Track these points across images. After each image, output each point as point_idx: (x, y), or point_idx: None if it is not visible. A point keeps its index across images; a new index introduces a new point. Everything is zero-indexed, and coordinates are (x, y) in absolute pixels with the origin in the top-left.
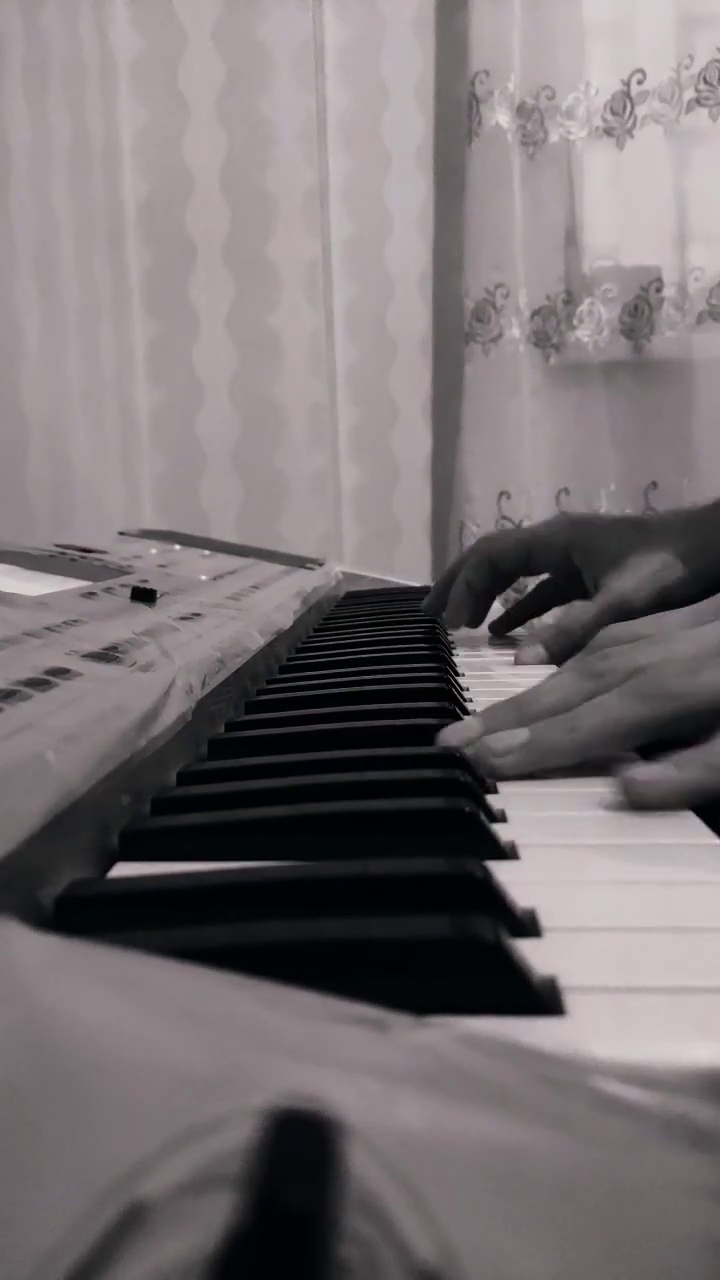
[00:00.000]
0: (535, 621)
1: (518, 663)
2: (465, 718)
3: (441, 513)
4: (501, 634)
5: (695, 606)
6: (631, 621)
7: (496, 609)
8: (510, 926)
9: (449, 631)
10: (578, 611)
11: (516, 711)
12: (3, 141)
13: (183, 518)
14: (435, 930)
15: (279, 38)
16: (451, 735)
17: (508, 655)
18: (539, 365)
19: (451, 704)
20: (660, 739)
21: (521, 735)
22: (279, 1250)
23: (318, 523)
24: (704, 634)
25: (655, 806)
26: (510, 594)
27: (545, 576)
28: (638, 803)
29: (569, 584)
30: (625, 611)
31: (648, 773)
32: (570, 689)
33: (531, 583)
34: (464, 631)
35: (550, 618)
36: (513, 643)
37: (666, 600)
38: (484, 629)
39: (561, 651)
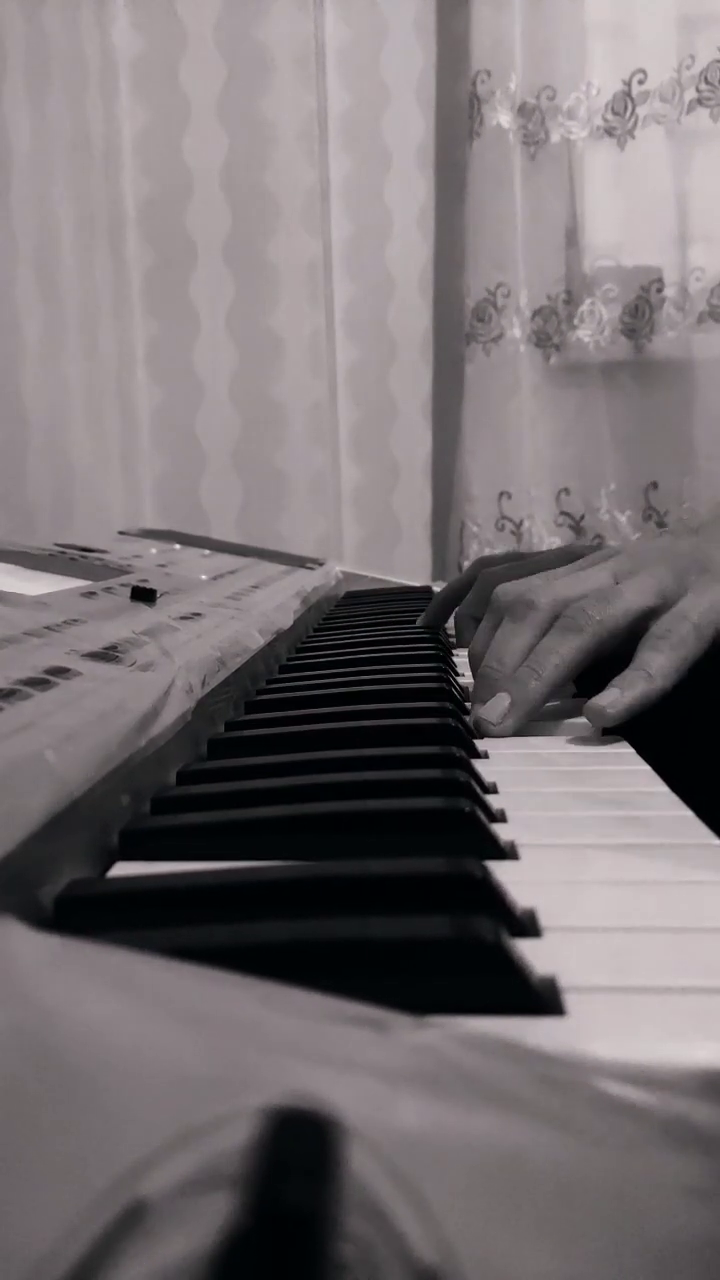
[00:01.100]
0: None
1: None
2: (497, 698)
3: (441, 513)
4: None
5: (554, 553)
6: (511, 572)
7: None
8: (510, 926)
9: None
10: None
11: (493, 682)
12: (3, 141)
13: (183, 518)
14: (435, 930)
15: (280, 38)
16: (489, 713)
17: None
18: (539, 365)
19: (451, 704)
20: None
21: (505, 700)
22: (278, 1250)
23: (318, 523)
24: (591, 574)
25: (618, 721)
26: None
27: None
28: (603, 723)
29: None
30: None
31: (604, 698)
32: (518, 640)
33: None
34: None
35: None
36: None
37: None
38: None
39: (468, 633)
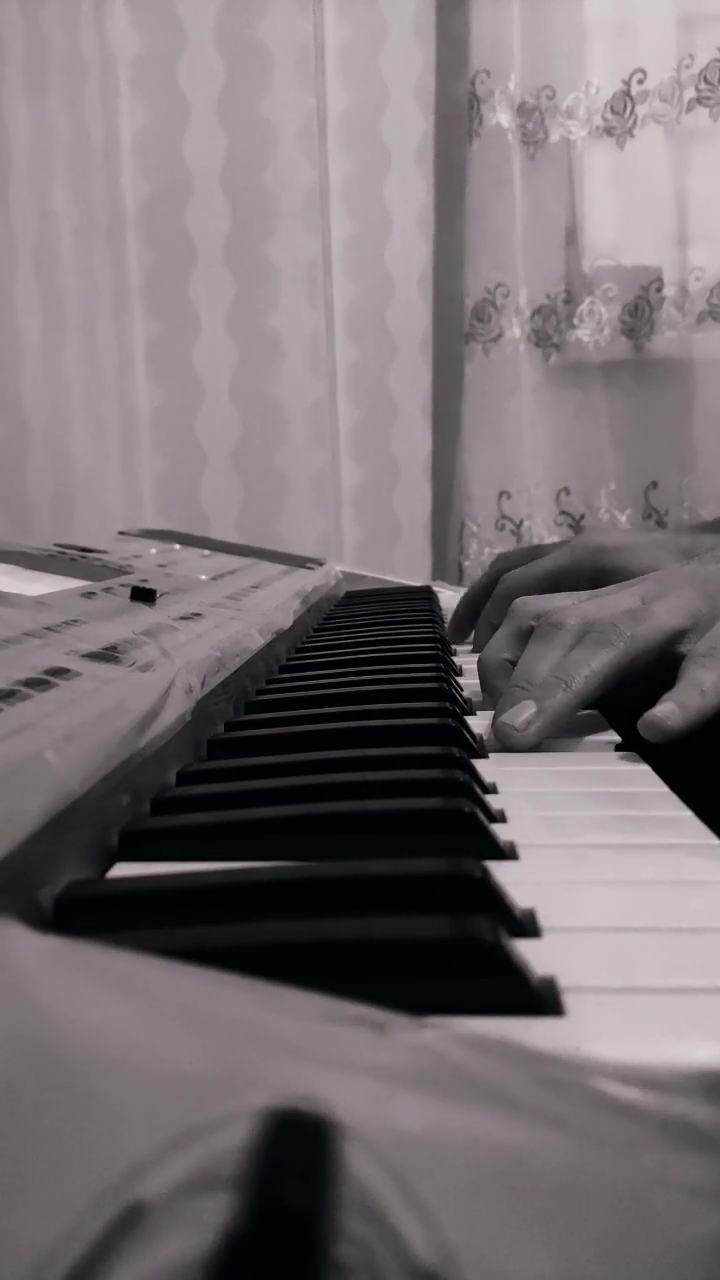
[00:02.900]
0: None
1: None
2: (521, 705)
3: (441, 513)
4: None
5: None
6: (533, 596)
7: None
8: (509, 927)
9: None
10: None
11: (524, 690)
12: (3, 141)
13: (183, 518)
14: (434, 930)
15: (279, 38)
16: (512, 722)
17: None
18: (539, 365)
19: (451, 704)
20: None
21: (530, 707)
22: (277, 1251)
23: (318, 523)
24: (619, 597)
25: (676, 735)
26: None
27: None
28: (660, 738)
29: None
30: None
31: (661, 710)
32: (545, 662)
33: None
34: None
35: None
36: None
37: None
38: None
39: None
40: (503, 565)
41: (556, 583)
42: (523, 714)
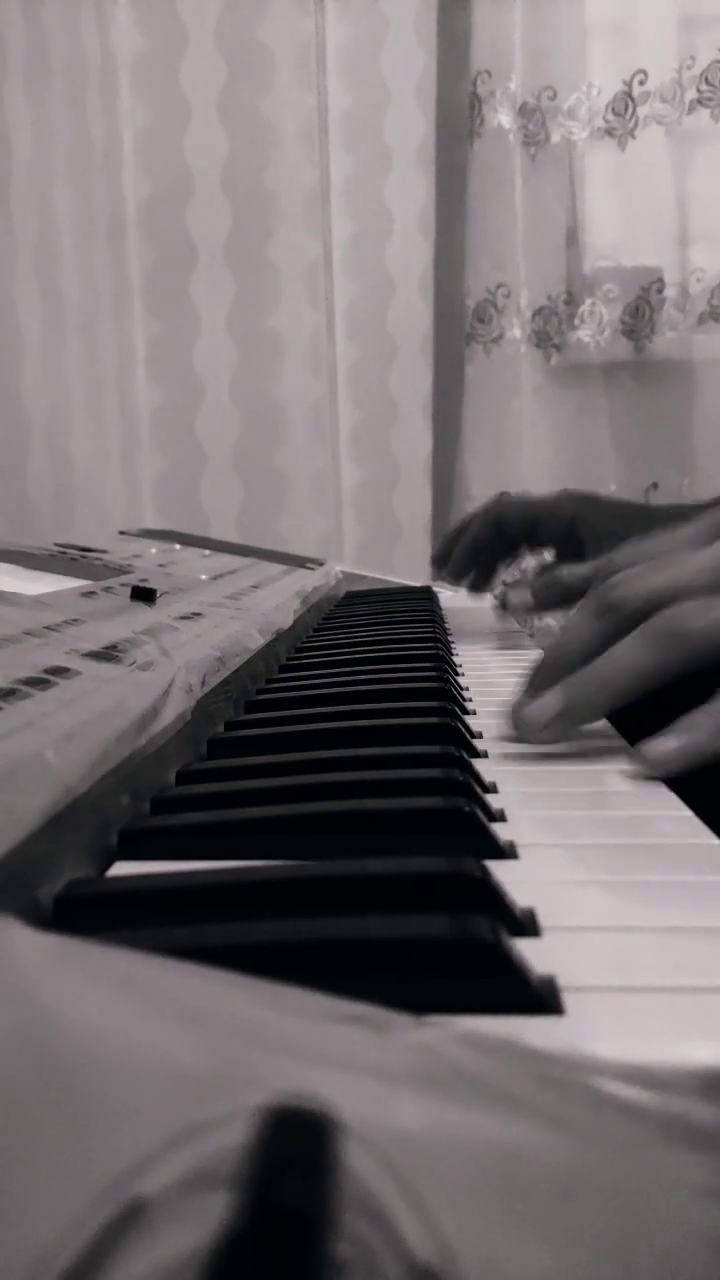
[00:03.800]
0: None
1: (503, 606)
2: (546, 697)
3: (441, 513)
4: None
5: (700, 522)
6: (641, 544)
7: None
8: (509, 926)
9: (447, 624)
10: (572, 567)
11: (552, 673)
12: (3, 141)
13: (183, 518)
14: (434, 930)
15: (280, 38)
16: (533, 714)
17: (507, 654)
18: (540, 365)
19: (450, 704)
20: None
21: (555, 705)
22: (276, 1249)
23: (318, 523)
24: (710, 558)
25: (677, 771)
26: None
27: (548, 560)
28: (662, 773)
29: (571, 559)
30: None
31: (662, 746)
32: (589, 633)
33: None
34: (464, 629)
35: None
36: (513, 643)
37: None
38: (486, 622)
39: (549, 600)
40: (501, 499)
41: (537, 517)
42: (546, 711)
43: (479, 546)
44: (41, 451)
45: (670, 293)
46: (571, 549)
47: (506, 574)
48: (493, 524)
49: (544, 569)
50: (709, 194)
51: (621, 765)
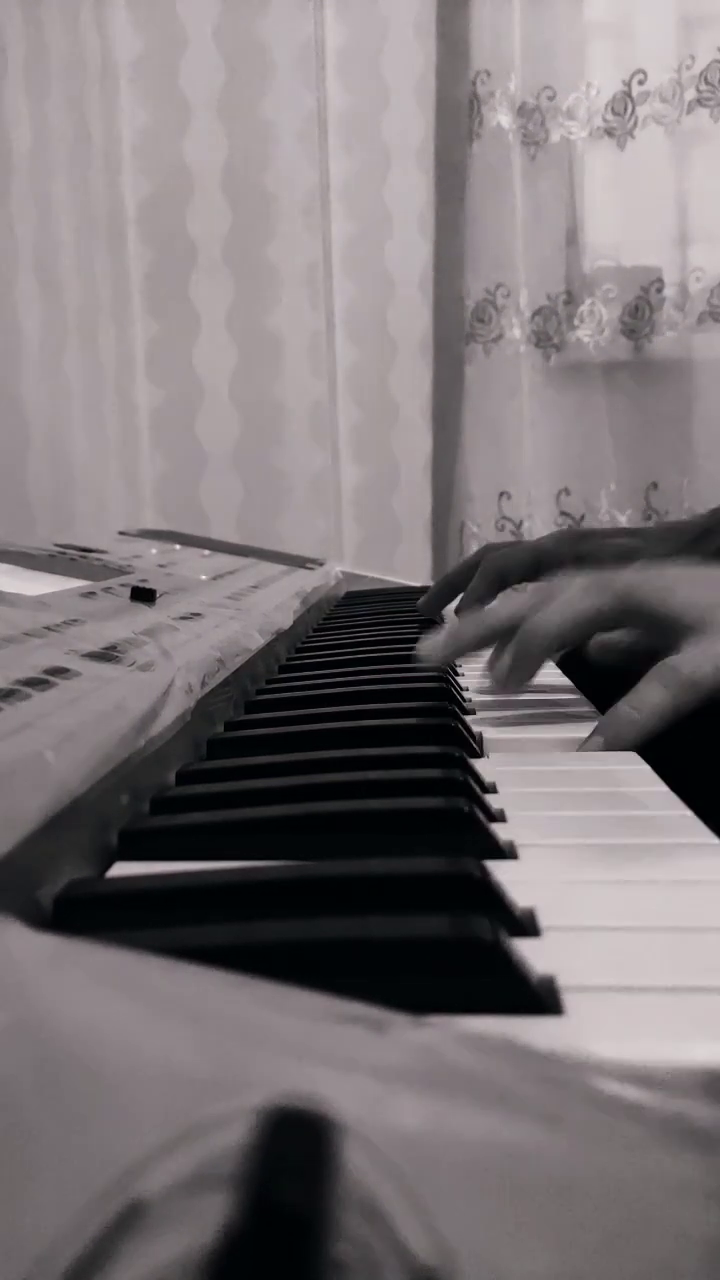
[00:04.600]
0: None
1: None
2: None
3: (441, 513)
4: None
5: (554, 537)
6: (515, 555)
7: None
8: (509, 926)
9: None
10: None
11: (476, 625)
12: (3, 141)
13: (183, 518)
14: (434, 930)
15: (280, 38)
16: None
17: None
18: (539, 365)
19: (450, 704)
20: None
21: (504, 662)
22: (275, 1250)
23: (318, 523)
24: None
25: (631, 743)
26: None
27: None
28: (616, 744)
29: None
30: None
31: (594, 743)
32: (524, 601)
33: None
34: None
35: None
36: None
37: None
38: None
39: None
40: (487, 552)
41: (539, 561)
42: (500, 671)
43: (483, 600)
44: (41, 451)
45: (670, 292)
46: None
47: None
48: (496, 582)
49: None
50: (708, 194)
51: (622, 766)
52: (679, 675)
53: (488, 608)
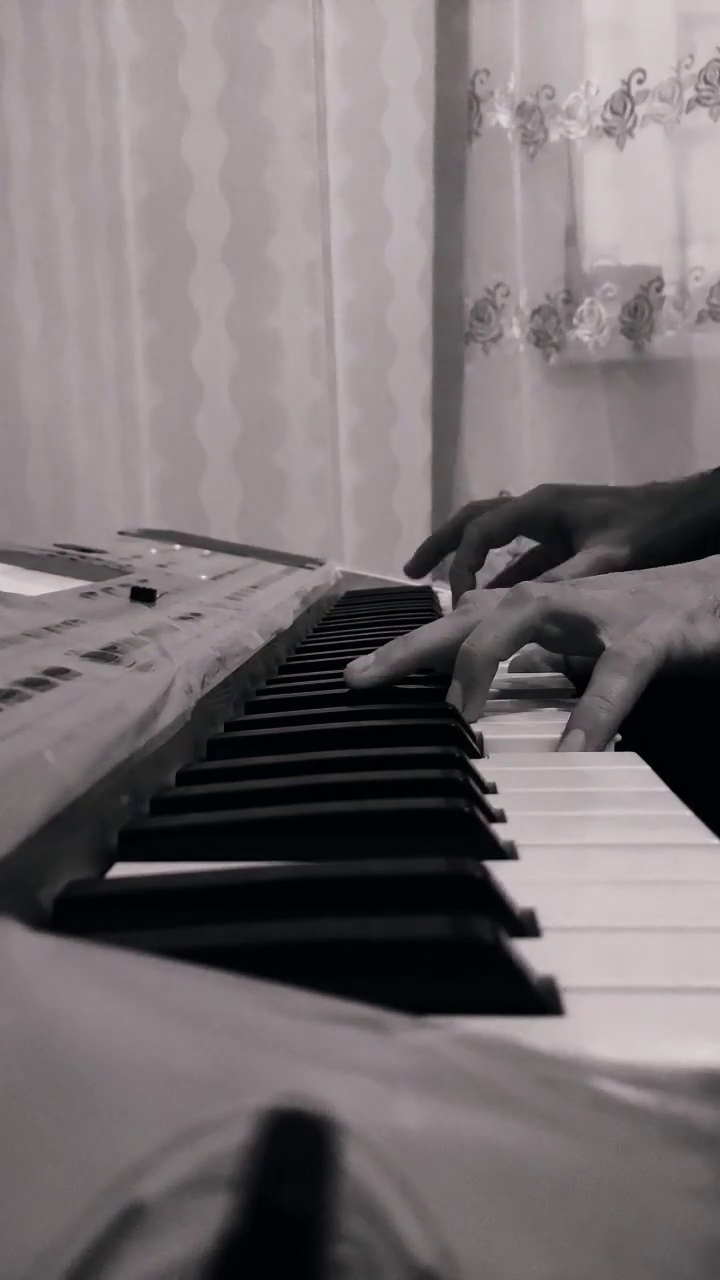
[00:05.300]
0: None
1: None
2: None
3: (441, 513)
4: None
5: (535, 493)
6: (496, 519)
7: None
8: (509, 927)
9: None
10: (566, 566)
11: (404, 647)
12: (3, 141)
13: (183, 518)
14: (434, 930)
15: (279, 38)
16: (353, 674)
17: None
18: (539, 365)
19: (450, 704)
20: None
21: (456, 691)
22: (276, 1251)
23: (318, 523)
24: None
25: (611, 730)
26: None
27: (533, 546)
28: (598, 734)
29: (556, 551)
30: (610, 567)
31: (573, 740)
32: (449, 624)
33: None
34: None
35: None
36: None
37: (647, 559)
38: None
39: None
40: (472, 509)
41: (520, 524)
42: (454, 697)
43: (472, 571)
44: (41, 451)
45: (669, 292)
46: (555, 541)
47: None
48: (482, 548)
49: (522, 560)
50: (708, 193)
51: (621, 766)
52: (626, 660)
53: (415, 631)
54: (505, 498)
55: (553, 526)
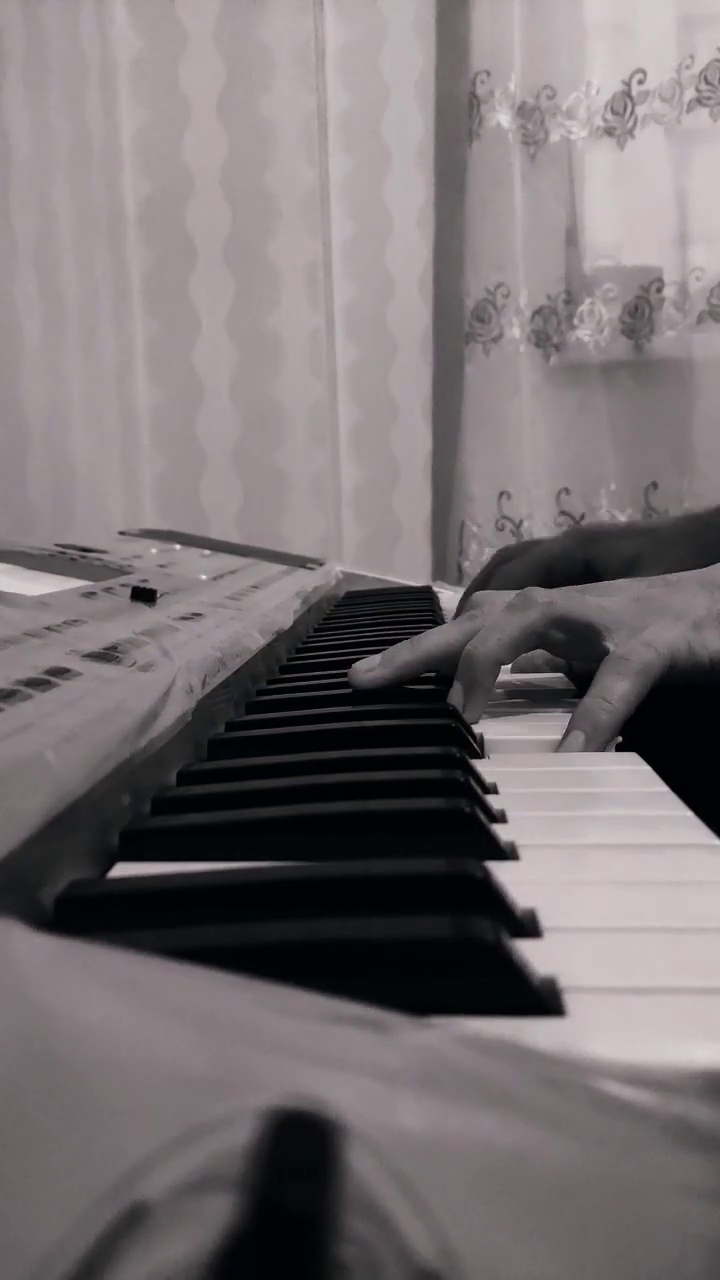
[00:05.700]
0: None
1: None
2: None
3: (441, 513)
4: None
5: (561, 539)
6: (522, 567)
7: None
8: (510, 927)
9: None
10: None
11: (410, 650)
12: (3, 141)
13: (183, 518)
14: (435, 931)
15: (279, 38)
16: (358, 675)
17: None
18: (539, 365)
19: (450, 704)
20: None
21: (458, 692)
22: (278, 1251)
23: (318, 523)
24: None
25: (611, 732)
26: None
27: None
28: (598, 735)
29: None
30: None
31: (573, 742)
32: (455, 628)
33: None
34: None
35: None
36: None
37: None
38: None
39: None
40: (502, 558)
41: (550, 571)
42: (456, 697)
43: None
44: (41, 451)
45: (669, 292)
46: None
47: None
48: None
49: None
50: (708, 193)
51: (622, 766)
52: (629, 664)
53: (421, 635)
54: (534, 541)
55: (581, 573)
